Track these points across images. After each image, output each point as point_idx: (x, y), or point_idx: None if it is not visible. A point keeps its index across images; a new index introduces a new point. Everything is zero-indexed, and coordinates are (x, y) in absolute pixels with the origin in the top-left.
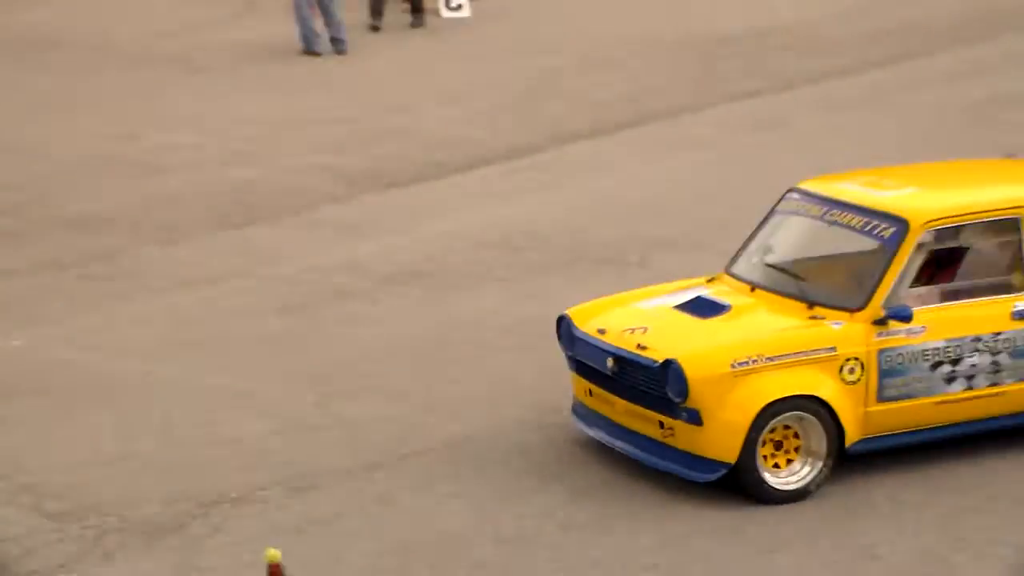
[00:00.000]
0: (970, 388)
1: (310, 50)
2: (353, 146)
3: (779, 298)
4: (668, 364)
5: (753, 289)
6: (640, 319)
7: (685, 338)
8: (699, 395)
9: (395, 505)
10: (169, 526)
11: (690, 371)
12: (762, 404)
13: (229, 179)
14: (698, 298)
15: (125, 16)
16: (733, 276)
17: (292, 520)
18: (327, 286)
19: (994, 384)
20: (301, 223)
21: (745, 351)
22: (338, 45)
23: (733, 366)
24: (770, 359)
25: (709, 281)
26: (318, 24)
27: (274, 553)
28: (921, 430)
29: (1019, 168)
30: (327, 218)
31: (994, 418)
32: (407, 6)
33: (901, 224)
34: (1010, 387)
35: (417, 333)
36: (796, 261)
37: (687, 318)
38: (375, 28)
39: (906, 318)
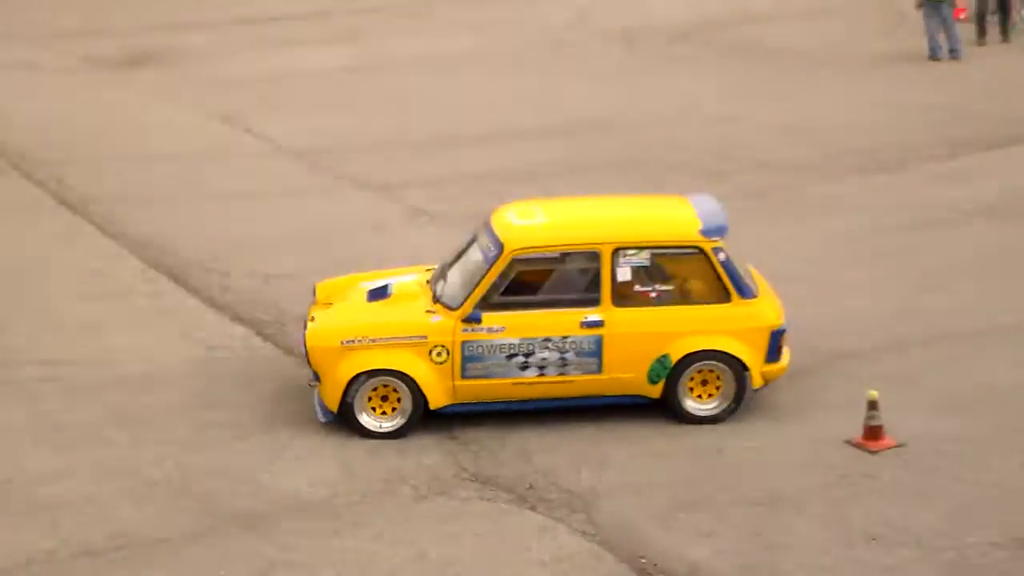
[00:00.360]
0: (542, 375)
1: (933, 57)
2: (955, 121)
3: (428, 293)
4: (303, 335)
5: (425, 283)
6: (340, 295)
7: (334, 316)
8: (316, 361)
9: None
10: None
11: (311, 343)
12: (354, 373)
13: (860, 143)
14: (384, 285)
15: (812, 31)
16: (430, 271)
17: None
18: (926, 217)
19: (563, 374)
20: (911, 174)
21: (354, 332)
22: (954, 54)
23: (342, 343)
24: (372, 340)
25: (425, 271)
26: (941, 39)
27: (873, 393)
28: (502, 401)
29: (641, 205)
30: (927, 171)
31: (566, 398)
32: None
33: (499, 248)
34: (577, 377)
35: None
36: (454, 266)
37: (359, 300)
38: (980, 44)
39: (476, 320)
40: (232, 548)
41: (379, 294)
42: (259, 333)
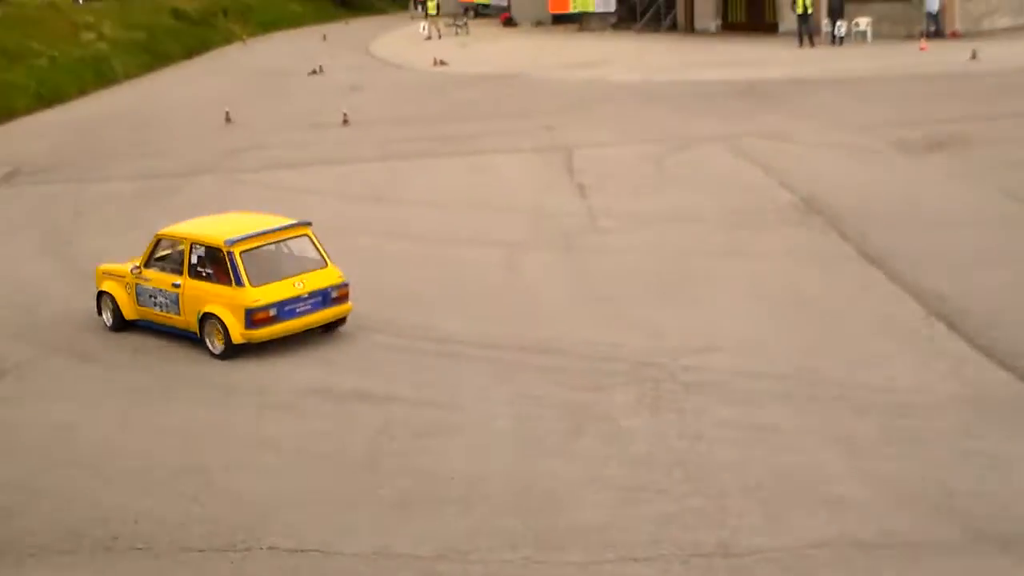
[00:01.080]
0: (163, 311)
1: None
2: None
3: None
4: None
5: None
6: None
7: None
8: (96, 279)
9: None
10: None
11: (98, 268)
12: (99, 290)
13: None
14: None
15: None
16: None
17: None
18: None
19: (168, 312)
20: None
21: (108, 269)
22: None
23: (103, 272)
24: (108, 274)
25: None
26: None
27: None
28: (154, 323)
29: (232, 221)
30: None
31: (177, 328)
32: None
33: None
34: (173, 316)
35: None
36: None
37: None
38: None
39: (136, 272)
40: (984, 564)
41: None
42: (1021, 378)
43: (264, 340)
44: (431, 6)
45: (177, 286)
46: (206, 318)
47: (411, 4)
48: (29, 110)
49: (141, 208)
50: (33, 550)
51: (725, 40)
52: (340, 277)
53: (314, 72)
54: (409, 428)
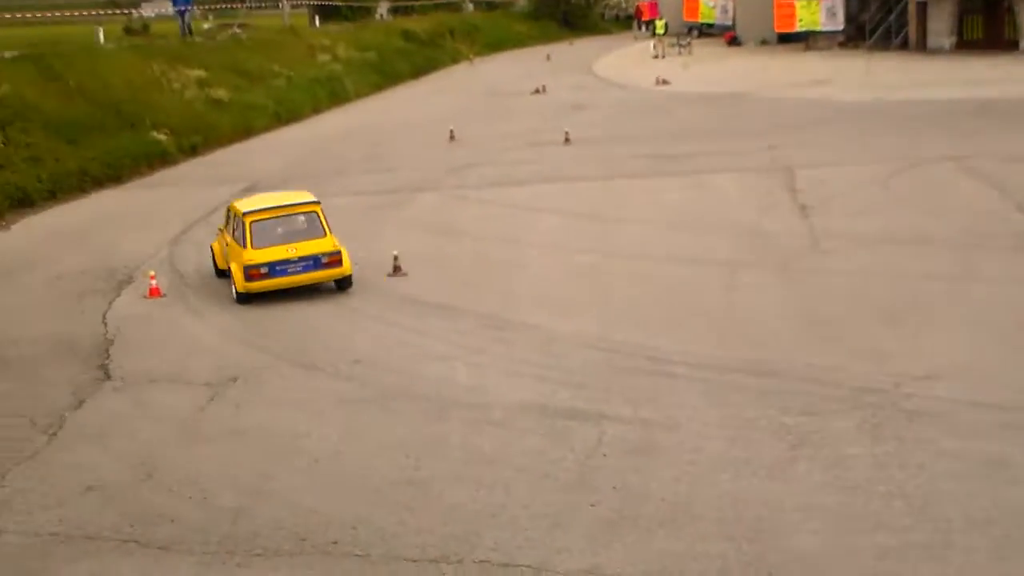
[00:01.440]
0: (226, 264)
1: None
2: None
3: None
4: None
5: None
6: None
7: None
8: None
9: None
10: None
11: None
12: (211, 245)
13: None
14: None
15: None
16: None
17: None
18: None
19: (225, 265)
20: None
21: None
22: None
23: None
24: (217, 229)
25: None
26: None
27: None
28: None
29: (277, 196)
30: None
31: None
32: None
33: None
34: (227, 265)
35: None
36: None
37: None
38: None
39: (219, 233)
40: None
41: None
42: None
43: (260, 291)
44: (659, 25)
45: (227, 245)
46: (229, 271)
47: (634, 25)
48: (267, 128)
49: (369, 222)
50: (259, 550)
51: (959, 58)
52: (334, 246)
53: (537, 91)
54: (622, 446)
